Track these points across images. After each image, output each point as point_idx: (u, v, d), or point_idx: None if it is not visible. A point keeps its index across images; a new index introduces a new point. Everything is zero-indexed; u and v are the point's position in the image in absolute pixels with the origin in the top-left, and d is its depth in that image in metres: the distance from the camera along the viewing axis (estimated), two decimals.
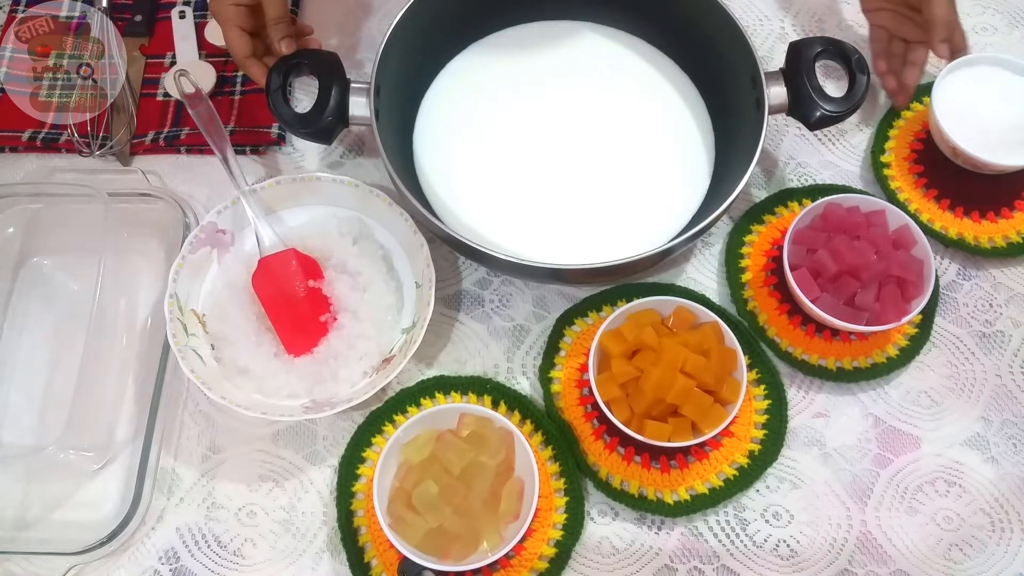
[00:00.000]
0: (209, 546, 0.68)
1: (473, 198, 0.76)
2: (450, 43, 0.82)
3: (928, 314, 0.74)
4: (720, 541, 0.68)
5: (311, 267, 0.73)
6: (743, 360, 0.66)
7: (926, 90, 0.82)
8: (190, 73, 0.73)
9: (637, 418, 0.66)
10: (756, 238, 0.78)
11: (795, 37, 0.88)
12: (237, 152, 0.79)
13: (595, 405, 0.68)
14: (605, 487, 0.68)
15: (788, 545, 0.68)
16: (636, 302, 0.69)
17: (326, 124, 0.71)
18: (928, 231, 0.76)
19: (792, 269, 0.71)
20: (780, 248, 0.73)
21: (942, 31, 0.74)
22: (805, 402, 0.73)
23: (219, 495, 0.70)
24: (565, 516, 0.67)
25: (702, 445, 0.69)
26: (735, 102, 0.75)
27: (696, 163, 0.78)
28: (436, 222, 0.68)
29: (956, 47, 0.76)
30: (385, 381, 0.68)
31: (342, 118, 0.71)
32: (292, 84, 0.85)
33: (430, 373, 0.73)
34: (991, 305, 0.76)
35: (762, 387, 0.72)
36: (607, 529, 0.68)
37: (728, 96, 0.77)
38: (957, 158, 0.76)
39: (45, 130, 0.82)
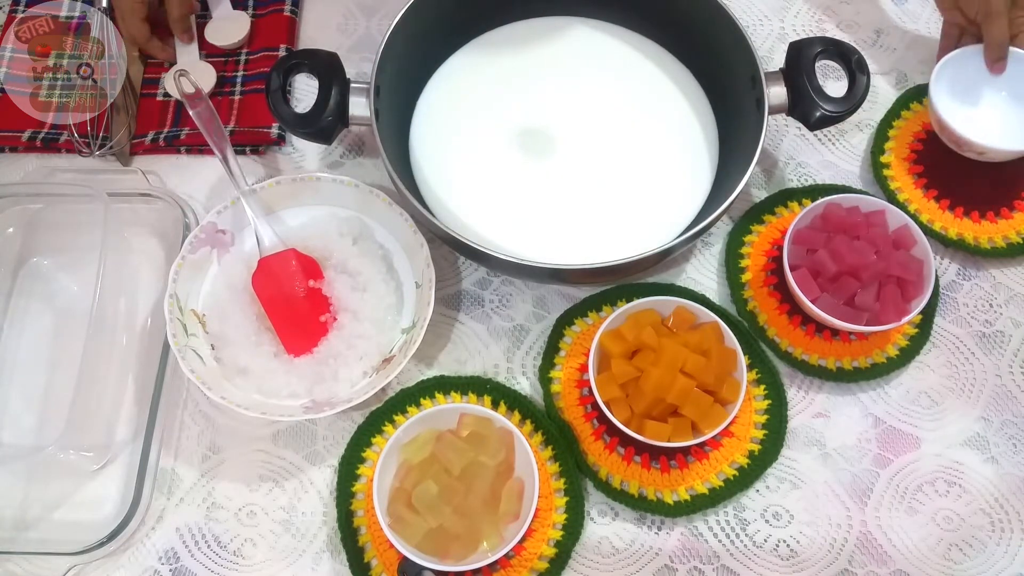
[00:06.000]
0: (209, 546, 0.68)
1: (473, 198, 0.76)
2: (449, 41, 0.82)
3: (928, 314, 0.74)
4: (720, 541, 0.68)
5: (311, 267, 0.73)
6: (743, 360, 0.66)
7: (924, 90, 0.82)
8: (190, 73, 0.73)
9: (637, 418, 0.66)
10: (756, 238, 0.78)
11: (795, 37, 0.88)
12: (237, 152, 0.79)
13: (595, 405, 0.68)
14: (605, 487, 0.68)
15: (788, 545, 0.68)
16: (636, 302, 0.69)
17: (326, 124, 0.71)
18: (928, 231, 0.76)
19: (792, 269, 0.71)
20: (780, 248, 0.73)
21: (996, 52, 0.76)
22: (805, 402, 0.73)
23: (219, 495, 0.70)
24: (565, 516, 0.67)
25: (702, 445, 0.69)
26: (735, 102, 0.75)
27: (699, 162, 0.77)
28: (436, 222, 0.68)
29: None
30: (385, 381, 0.68)
31: (342, 118, 0.71)
32: (292, 84, 0.85)
33: (430, 373, 0.73)
34: (991, 305, 0.76)
35: (762, 387, 0.72)
36: (607, 529, 0.68)
37: (728, 96, 0.77)
38: (961, 148, 0.76)
39: (45, 130, 0.82)
